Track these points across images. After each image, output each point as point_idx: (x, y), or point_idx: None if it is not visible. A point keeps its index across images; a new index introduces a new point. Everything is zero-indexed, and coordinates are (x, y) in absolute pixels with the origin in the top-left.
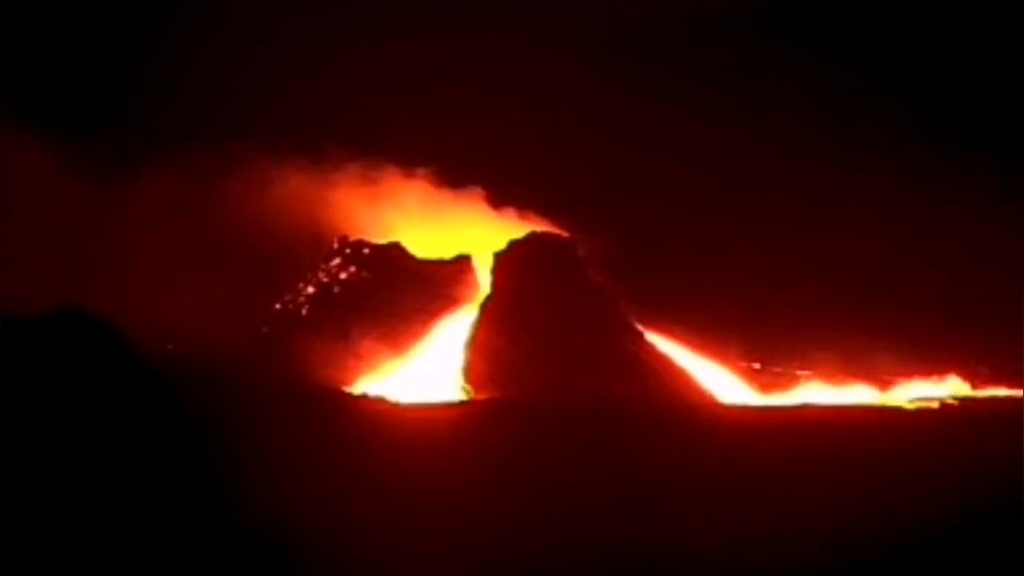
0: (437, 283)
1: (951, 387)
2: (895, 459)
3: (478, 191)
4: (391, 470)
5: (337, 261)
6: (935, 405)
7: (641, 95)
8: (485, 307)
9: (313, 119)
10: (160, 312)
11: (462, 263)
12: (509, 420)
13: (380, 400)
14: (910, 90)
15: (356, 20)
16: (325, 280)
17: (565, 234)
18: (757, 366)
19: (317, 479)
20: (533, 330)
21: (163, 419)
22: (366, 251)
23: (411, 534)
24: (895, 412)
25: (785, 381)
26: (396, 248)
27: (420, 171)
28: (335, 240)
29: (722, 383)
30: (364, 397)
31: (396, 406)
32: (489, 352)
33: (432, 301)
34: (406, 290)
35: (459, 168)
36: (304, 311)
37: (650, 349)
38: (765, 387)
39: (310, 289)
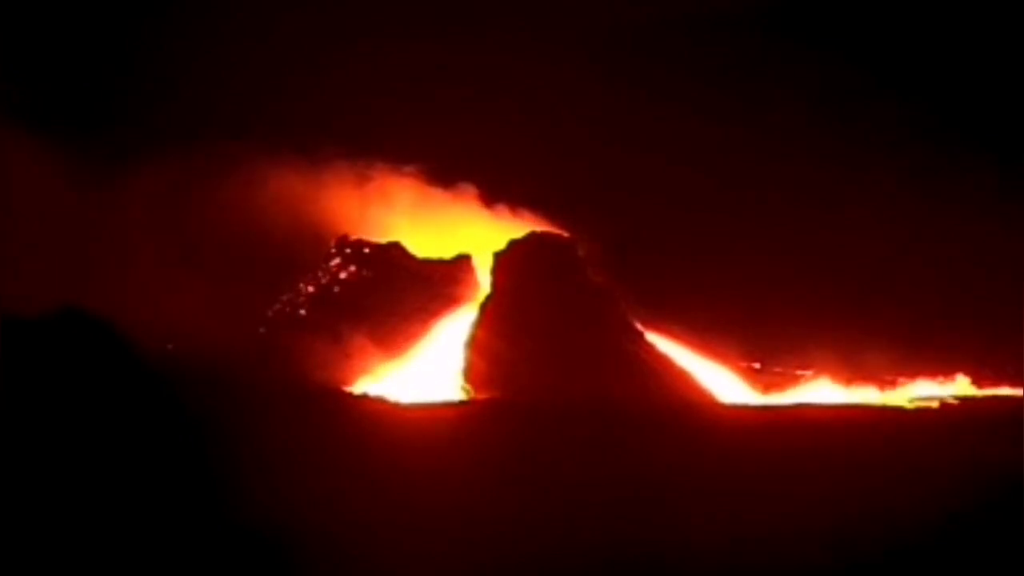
0: (437, 283)
1: (957, 387)
2: (895, 459)
3: (477, 191)
4: (391, 470)
5: (337, 261)
6: (935, 405)
7: (641, 95)
8: (485, 307)
9: (311, 119)
10: (160, 312)
11: (462, 263)
12: (509, 420)
13: (380, 400)
14: (910, 90)
15: (355, 20)
16: (325, 280)
17: (565, 234)
18: (757, 366)
19: (317, 479)
20: (533, 330)
21: (163, 419)
22: (366, 251)
23: (411, 534)
24: (895, 412)
25: (785, 381)
26: (396, 248)
27: (421, 171)
28: (335, 240)
29: (722, 383)
30: (364, 397)
31: (396, 406)
32: (489, 352)
33: (432, 301)
34: (406, 290)
35: (460, 168)
36: (304, 311)
37: (650, 349)
38: (765, 387)
39: (310, 289)
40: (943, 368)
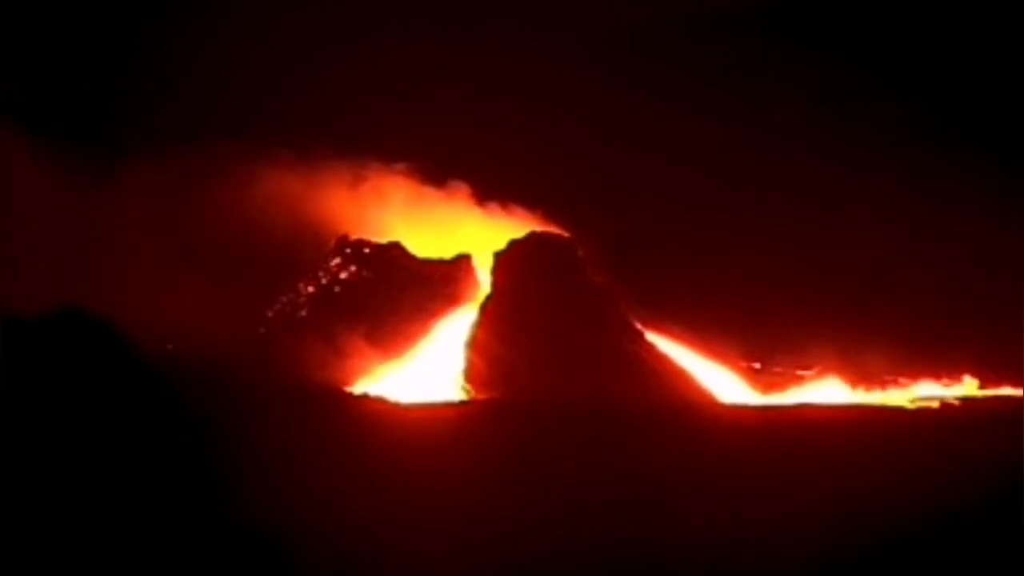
0: (437, 283)
1: (958, 388)
2: (895, 459)
3: (474, 190)
4: (391, 470)
5: (337, 261)
6: (935, 405)
7: (641, 95)
8: (485, 307)
9: (308, 118)
10: (160, 312)
11: (462, 263)
12: (509, 420)
13: (380, 400)
14: (910, 90)
15: (354, 20)
16: (325, 280)
17: (565, 234)
18: (757, 366)
19: (317, 479)
20: (533, 330)
21: (163, 419)
22: (366, 251)
23: (411, 534)
24: (895, 412)
25: (785, 381)
26: (396, 248)
27: (419, 169)
28: (335, 240)
29: (722, 383)
30: (364, 397)
31: (396, 406)
32: (489, 352)
33: (432, 301)
34: (406, 290)
35: (459, 168)
36: (304, 311)
37: (650, 349)
38: (765, 387)
39: (310, 289)
40: (943, 367)
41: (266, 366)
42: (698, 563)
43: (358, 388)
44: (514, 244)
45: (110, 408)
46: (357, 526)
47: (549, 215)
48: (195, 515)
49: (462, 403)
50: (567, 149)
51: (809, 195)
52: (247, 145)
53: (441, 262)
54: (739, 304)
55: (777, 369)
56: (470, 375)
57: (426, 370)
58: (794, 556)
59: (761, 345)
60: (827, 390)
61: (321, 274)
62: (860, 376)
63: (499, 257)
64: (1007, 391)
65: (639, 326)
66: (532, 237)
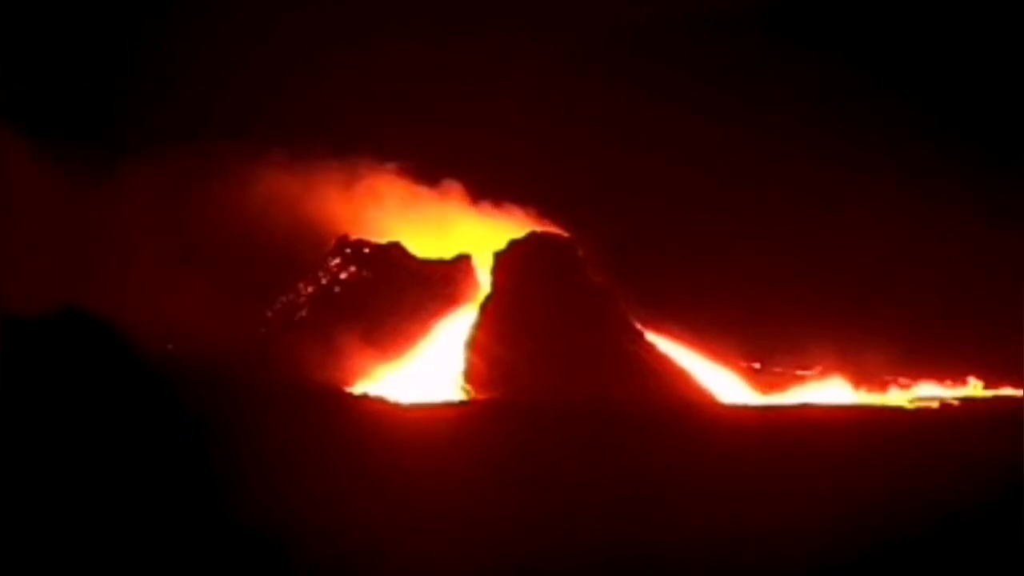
0: (437, 283)
1: (960, 389)
2: (895, 459)
3: (472, 191)
4: (391, 470)
5: (337, 261)
6: (935, 405)
7: (641, 95)
8: (485, 307)
9: (305, 118)
10: (160, 312)
11: (462, 263)
12: (509, 420)
13: (380, 400)
14: (910, 90)
15: (350, 22)
16: (325, 280)
17: (565, 234)
18: (757, 366)
19: (317, 479)
20: (533, 330)
21: (163, 419)
22: (366, 251)
23: (411, 534)
24: (895, 412)
25: (785, 381)
26: (396, 248)
27: (417, 169)
28: (335, 240)
29: (722, 383)
30: (364, 397)
31: (396, 406)
32: (489, 352)
33: (432, 301)
34: (406, 290)
35: (460, 168)
36: (304, 311)
37: (650, 349)
38: (765, 387)
39: (310, 289)
40: (943, 368)
41: (266, 366)
42: (698, 563)
43: (358, 388)
44: (514, 244)
45: (110, 408)
46: (357, 526)
47: (544, 213)
48: (195, 515)
49: (462, 403)
50: (567, 149)
51: (809, 195)
52: (246, 145)
53: (441, 262)
54: (739, 304)
55: (777, 369)
56: (470, 375)
57: (426, 370)
58: (794, 556)
59: (761, 345)
60: (827, 390)
61: (321, 274)
62: (860, 376)
63: (499, 257)
64: (1007, 391)
65: (639, 326)
66: (532, 237)
